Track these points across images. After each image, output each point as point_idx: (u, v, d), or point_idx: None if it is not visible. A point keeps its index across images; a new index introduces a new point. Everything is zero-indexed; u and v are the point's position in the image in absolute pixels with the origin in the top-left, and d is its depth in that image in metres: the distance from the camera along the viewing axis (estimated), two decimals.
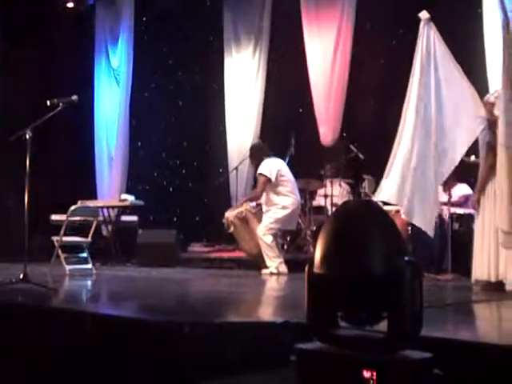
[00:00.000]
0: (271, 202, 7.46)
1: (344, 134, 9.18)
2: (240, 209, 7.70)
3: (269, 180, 7.40)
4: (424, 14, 5.45)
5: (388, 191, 5.41)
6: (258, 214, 7.65)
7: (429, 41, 5.40)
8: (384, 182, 5.48)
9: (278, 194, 7.45)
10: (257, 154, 7.73)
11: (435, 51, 5.41)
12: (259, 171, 7.47)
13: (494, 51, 7.28)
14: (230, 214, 7.69)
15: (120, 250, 9.21)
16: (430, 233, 5.58)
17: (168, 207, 10.44)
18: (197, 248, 9.50)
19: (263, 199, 7.57)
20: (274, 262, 7.30)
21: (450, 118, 5.39)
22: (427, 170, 5.39)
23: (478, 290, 5.33)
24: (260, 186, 7.48)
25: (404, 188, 5.39)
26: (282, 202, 7.44)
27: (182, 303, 4.91)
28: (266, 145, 8.04)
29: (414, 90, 5.41)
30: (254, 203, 7.76)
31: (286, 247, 8.19)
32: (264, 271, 7.29)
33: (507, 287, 5.11)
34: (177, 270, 8.07)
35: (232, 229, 7.63)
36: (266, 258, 7.32)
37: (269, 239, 7.32)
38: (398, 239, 2.55)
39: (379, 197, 5.46)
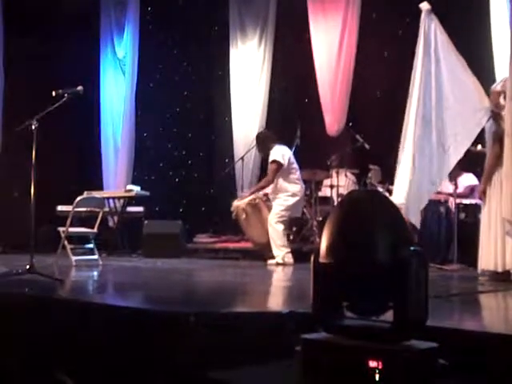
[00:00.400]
0: (281, 189, 7.52)
1: (350, 124, 9.14)
2: (252, 196, 7.72)
3: (281, 166, 7.45)
4: (424, 5, 5.38)
5: (400, 193, 5.35)
6: (267, 203, 7.70)
7: (429, 32, 5.34)
8: (396, 184, 5.42)
9: (288, 181, 7.53)
10: (264, 142, 7.79)
11: (436, 42, 5.35)
12: (272, 158, 7.51)
13: (501, 41, 7.23)
14: (241, 202, 7.72)
15: (126, 241, 9.22)
16: (418, 225, 5.56)
17: (174, 198, 10.44)
18: (202, 239, 9.50)
19: (270, 187, 7.61)
20: (281, 252, 7.34)
21: (451, 110, 5.34)
22: (425, 167, 5.35)
23: (484, 280, 5.31)
24: (272, 173, 7.52)
25: (409, 187, 5.35)
26: (292, 189, 7.53)
27: (187, 293, 4.91)
28: (271, 132, 8.09)
29: (416, 83, 5.35)
30: (261, 192, 7.79)
31: (291, 238, 8.18)
32: (270, 261, 7.30)
33: None
34: (182, 261, 8.08)
35: (244, 216, 7.62)
36: (273, 246, 7.34)
37: (280, 227, 7.40)
38: (403, 228, 2.56)
39: (394, 200, 5.40)
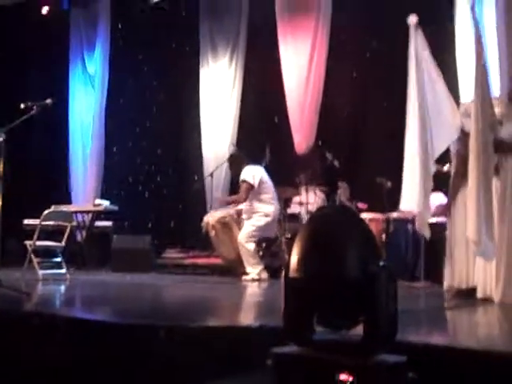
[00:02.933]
0: (254, 210, 7.41)
1: (319, 142, 9.17)
2: (222, 214, 7.64)
3: (252, 187, 7.37)
4: (412, 19, 5.43)
5: (410, 201, 5.33)
6: (238, 220, 7.62)
7: (417, 45, 5.40)
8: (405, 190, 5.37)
9: (260, 201, 7.40)
10: (235, 163, 7.74)
11: (422, 55, 5.41)
12: (242, 177, 7.37)
13: (466, 65, 7.37)
14: (211, 219, 7.64)
15: (94, 256, 9.09)
16: (427, 235, 5.50)
17: (143, 212, 10.33)
18: (171, 254, 9.38)
19: (244, 206, 7.52)
20: (255, 269, 7.31)
21: (428, 120, 5.39)
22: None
23: (449, 296, 5.35)
24: (244, 192, 7.37)
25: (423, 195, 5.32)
26: (265, 210, 7.41)
27: (157, 307, 4.86)
28: (242, 152, 8.06)
29: (412, 96, 5.37)
30: (233, 210, 7.68)
31: (260, 254, 8.13)
32: (245, 277, 7.25)
33: (478, 294, 5.14)
34: (151, 276, 7.96)
35: (213, 233, 7.56)
36: (246, 264, 7.32)
37: (251, 246, 7.34)
38: (372, 244, 2.61)
39: (403, 206, 5.43)
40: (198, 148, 10.18)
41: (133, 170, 10.72)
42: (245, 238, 7.35)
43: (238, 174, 7.58)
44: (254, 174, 7.44)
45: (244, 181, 7.36)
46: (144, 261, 8.38)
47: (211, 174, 9.13)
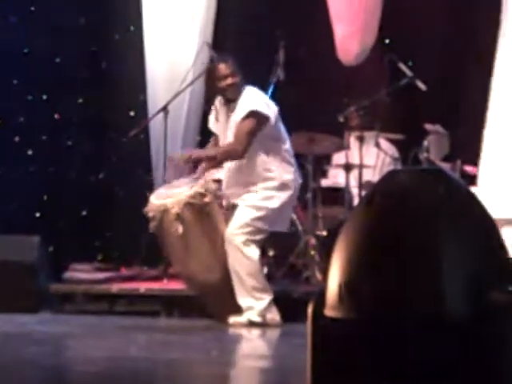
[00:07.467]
0: (257, 175, 4.24)
1: (386, 42, 5.63)
2: (194, 189, 4.10)
3: (265, 122, 4.18)
4: None
5: None
6: (221, 200, 4.32)
7: None
8: None
9: (274, 156, 4.26)
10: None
11: None
12: (250, 107, 4.16)
13: None
14: (170, 201, 4.10)
15: None
16: None
17: (25, 189, 5.79)
18: (82, 273, 5.34)
19: (230, 168, 4.33)
20: (258, 301, 4.21)
21: None
22: None
23: None
24: (247, 135, 4.13)
25: None
26: (282, 175, 4.25)
27: None
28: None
29: None
30: (210, 179, 4.48)
31: (265, 270, 4.80)
32: (235, 319, 4.25)
33: None
34: (42, 319, 4.63)
35: (180, 229, 4.05)
36: (241, 291, 4.22)
37: (254, 252, 4.17)
38: (496, 249, 1.67)
39: None
40: (137, 52, 5.74)
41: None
42: (243, 236, 4.15)
43: (232, 98, 4.30)
44: (267, 101, 4.34)
45: (253, 113, 4.14)
46: (27, 288, 4.94)
47: (165, 108, 5.00)
